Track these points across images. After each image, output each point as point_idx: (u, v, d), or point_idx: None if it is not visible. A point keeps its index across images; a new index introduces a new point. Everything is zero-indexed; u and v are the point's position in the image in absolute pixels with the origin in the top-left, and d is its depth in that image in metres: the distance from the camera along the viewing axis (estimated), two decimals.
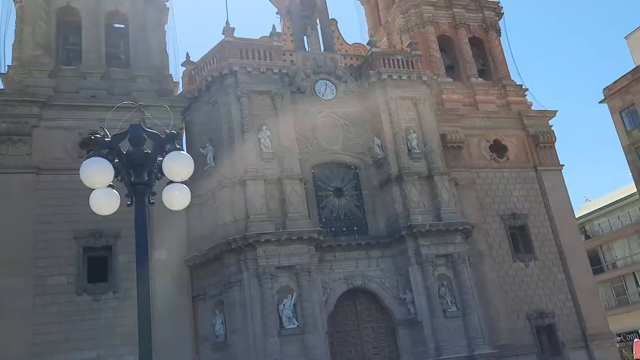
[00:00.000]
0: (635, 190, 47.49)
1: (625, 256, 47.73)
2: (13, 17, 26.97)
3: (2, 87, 24.83)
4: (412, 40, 28.92)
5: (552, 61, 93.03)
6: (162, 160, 6.67)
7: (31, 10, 25.24)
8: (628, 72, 46.01)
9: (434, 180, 24.81)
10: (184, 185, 6.83)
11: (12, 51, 25.76)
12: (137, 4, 26.96)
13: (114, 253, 22.20)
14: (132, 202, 6.66)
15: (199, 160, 24.00)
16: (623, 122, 45.49)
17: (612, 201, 50.01)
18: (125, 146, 6.79)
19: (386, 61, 26.68)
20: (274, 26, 26.30)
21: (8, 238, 20.79)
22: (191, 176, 20.19)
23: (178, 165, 6.60)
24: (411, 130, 25.79)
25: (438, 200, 24.47)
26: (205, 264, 22.38)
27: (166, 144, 6.71)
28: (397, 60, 26.93)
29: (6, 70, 24.97)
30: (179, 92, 26.59)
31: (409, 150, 25.33)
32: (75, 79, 24.57)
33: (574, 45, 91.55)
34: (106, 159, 6.47)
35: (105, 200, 6.57)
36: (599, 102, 47.81)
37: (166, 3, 28.62)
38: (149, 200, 6.70)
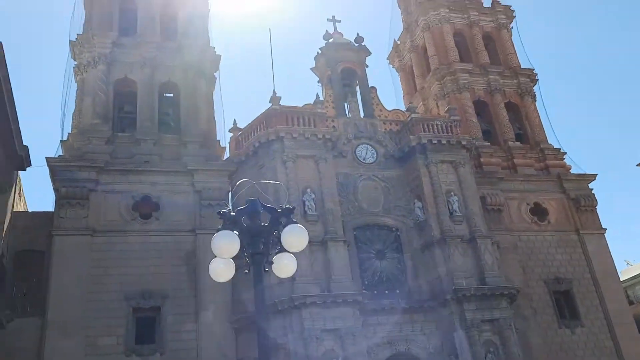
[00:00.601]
0: None
1: None
2: (73, 89, 29.02)
3: (61, 154, 26.35)
4: (450, 106, 29.77)
5: (589, 124, 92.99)
6: (277, 232, 7.21)
7: (92, 82, 27.08)
8: None
9: (476, 243, 24.86)
10: (292, 256, 7.38)
11: (72, 120, 27.52)
12: (188, 74, 28.63)
13: (162, 314, 22.60)
14: (249, 270, 7.22)
15: None
16: None
17: None
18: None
19: (426, 126, 27.44)
20: (317, 94, 27.54)
21: (62, 299, 21.47)
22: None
23: (296, 238, 7.19)
24: (452, 193, 26.15)
25: (482, 263, 24.43)
26: (250, 326, 22.52)
27: (281, 217, 7.29)
28: (437, 125, 27.66)
29: (66, 137, 26.63)
30: (226, 156, 27.64)
31: (451, 213, 25.59)
32: (130, 145, 25.92)
33: (608, 108, 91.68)
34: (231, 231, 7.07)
35: (224, 268, 7.18)
36: (637, 165, 47.48)
37: (215, 73, 30.33)
38: (264, 269, 7.24)
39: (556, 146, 33.91)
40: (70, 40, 28.49)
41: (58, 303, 21.38)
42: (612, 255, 31.05)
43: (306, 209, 23.62)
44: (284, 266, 7.50)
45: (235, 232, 7.23)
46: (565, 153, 33.92)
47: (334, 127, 27.20)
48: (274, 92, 26.28)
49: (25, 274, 22.04)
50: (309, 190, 24.03)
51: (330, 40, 30.53)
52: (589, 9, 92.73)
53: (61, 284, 21.74)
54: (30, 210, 27.20)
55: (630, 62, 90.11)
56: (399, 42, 40.87)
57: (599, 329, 28.43)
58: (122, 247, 23.29)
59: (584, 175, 32.76)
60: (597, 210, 32.17)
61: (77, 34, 28.31)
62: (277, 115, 25.25)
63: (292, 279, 21.89)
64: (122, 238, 23.48)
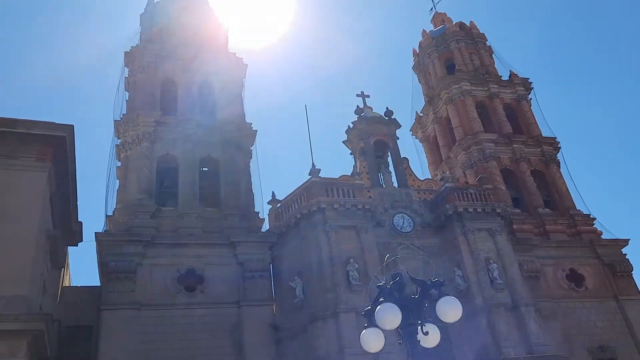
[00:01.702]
0: None
1: None
2: (115, 166, 30.13)
3: (106, 229, 27.01)
4: (482, 175, 30.52)
5: (614, 189, 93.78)
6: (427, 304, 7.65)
7: (136, 159, 28.17)
8: None
9: (520, 310, 24.81)
10: (455, 300, 7.73)
11: (117, 195, 28.39)
12: (227, 149, 29.75)
13: None
14: (402, 341, 7.59)
15: (288, 294, 24.91)
16: None
17: None
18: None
19: (460, 195, 28.05)
20: (354, 166, 28.42)
21: None
22: (280, 309, 21.11)
23: (451, 308, 7.60)
24: (491, 261, 26.36)
25: (527, 332, 24.26)
26: None
27: (431, 289, 7.74)
28: (471, 194, 28.28)
29: (112, 213, 27.40)
30: (265, 227, 28.17)
31: (492, 281, 25.67)
32: (173, 219, 26.58)
33: (630, 171, 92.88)
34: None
35: (376, 340, 7.59)
36: None
37: (251, 148, 31.47)
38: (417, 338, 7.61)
39: (585, 212, 34.31)
40: (115, 120, 29.86)
41: None
42: None
43: (350, 279, 23.84)
44: (450, 311, 7.81)
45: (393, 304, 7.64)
46: (595, 218, 34.26)
47: (370, 197, 27.85)
48: (312, 164, 27.19)
49: (74, 349, 22.06)
50: (351, 260, 24.35)
51: (362, 114, 31.79)
52: (603, 76, 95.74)
53: (110, 358, 21.70)
54: (72, 284, 27.52)
55: None
56: (421, 115, 42.32)
57: None
58: (169, 322, 23.42)
59: (616, 240, 32.91)
60: (633, 274, 32.10)
61: (123, 114, 29.70)
62: (317, 187, 26.00)
63: (340, 350, 21.84)
64: (169, 312, 23.66)
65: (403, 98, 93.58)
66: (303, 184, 27.09)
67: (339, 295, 23.08)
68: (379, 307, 7.96)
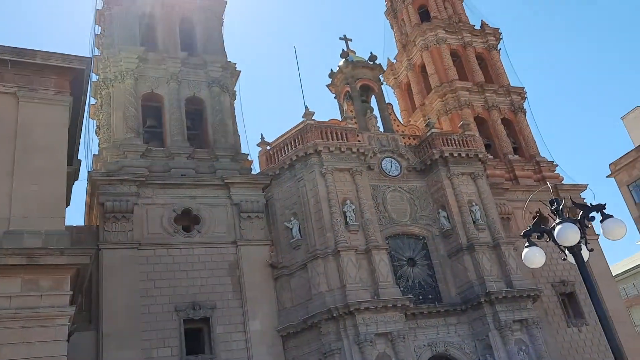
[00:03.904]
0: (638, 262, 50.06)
1: None
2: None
3: (92, 168, 26.28)
4: (464, 122, 31.65)
5: (561, 139, 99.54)
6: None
7: (121, 96, 27.18)
8: (633, 149, 49.78)
9: (501, 249, 26.57)
10: (620, 220, 8.46)
11: (101, 134, 27.45)
12: (213, 89, 29.17)
13: (211, 324, 22.88)
14: (566, 257, 8.28)
15: (284, 234, 25.45)
16: (631, 194, 48.62)
17: (625, 269, 52.23)
18: None
19: (445, 140, 29.10)
20: (345, 110, 28.68)
21: (116, 312, 21.46)
22: (276, 249, 21.77)
23: (618, 227, 8.29)
24: (473, 203, 27.84)
25: (507, 268, 26.12)
26: (298, 333, 23.20)
27: (592, 212, 8.39)
28: (454, 140, 29.38)
29: (97, 152, 26.60)
30: (254, 170, 28.22)
31: (474, 222, 27.21)
32: (164, 159, 26.14)
33: (578, 124, 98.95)
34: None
35: (538, 256, 8.30)
36: (607, 177, 51.19)
37: (235, 88, 31.00)
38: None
39: (548, 158, 36.48)
40: (95, 56, 28.46)
41: (111, 316, 21.36)
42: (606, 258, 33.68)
43: (347, 220, 24.61)
44: (613, 230, 8.53)
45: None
46: (557, 165, 36.54)
47: (359, 141, 28.38)
48: (306, 107, 27.28)
49: None
50: (348, 201, 25.04)
51: (347, 57, 31.85)
52: (569, 30, 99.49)
53: (113, 297, 21.71)
54: None
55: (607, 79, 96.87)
56: (394, 61, 42.71)
57: (601, 327, 30.62)
58: (168, 260, 23.50)
59: (576, 185, 35.34)
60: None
61: (105, 50, 28.34)
62: (312, 130, 26.21)
63: (343, 286, 22.81)
64: (167, 251, 23.67)
65: (374, 44, 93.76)
66: (296, 127, 27.21)
67: (338, 234, 23.84)
68: (560, 226, 8.60)
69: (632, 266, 51.88)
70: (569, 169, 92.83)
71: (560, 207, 8.98)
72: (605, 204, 9.12)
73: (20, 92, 15.15)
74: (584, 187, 35.51)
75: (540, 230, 9.20)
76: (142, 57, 28.33)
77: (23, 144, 14.42)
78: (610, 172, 51.34)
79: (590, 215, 8.88)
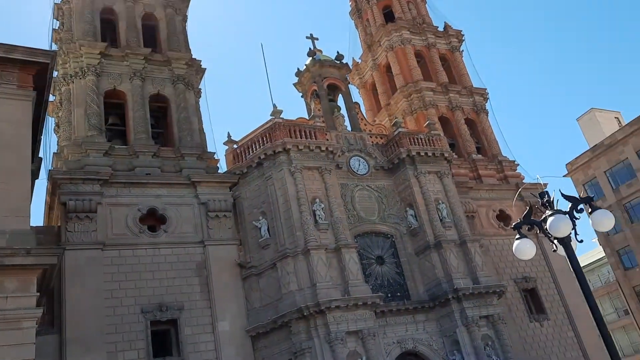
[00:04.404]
0: (602, 254, 51.95)
1: (603, 315, 51.27)
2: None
3: (52, 167, 25.36)
4: (430, 122, 32.04)
5: (521, 139, 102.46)
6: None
7: (82, 93, 26.35)
8: (587, 150, 51.62)
9: (467, 246, 27.00)
10: (608, 212, 8.54)
11: (60, 132, 26.52)
12: (178, 87, 28.62)
13: (179, 326, 22.40)
14: (556, 249, 8.34)
15: (252, 233, 25.18)
16: (587, 193, 50.38)
17: (585, 263, 54.08)
18: None
19: (411, 139, 29.39)
20: (312, 109, 28.61)
21: (79, 315, 20.74)
22: (244, 248, 21.57)
23: (606, 218, 8.39)
24: (440, 201, 28.21)
25: (473, 265, 26.56)
26: (268, 333, 22.97)
27: (580, 204, 8.47)
28: (421, 139, 29.72)
29: (57, 150, 25.67)
30: (222, 169, 27.81)
31: (441, 220, 27.58)
32: (128, 158, 25.46)
33: (537, 124, 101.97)
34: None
35: (529, 248, 8.34)
36: (564, 176, 52.88)
37: (200, 86, 30.51)
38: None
39: (510, 158, 37.37)
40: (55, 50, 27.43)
41: (75, 319, 20.62)
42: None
43: (317, 218, 24.53)
44: (601, 222, 8.63)
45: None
46: (518, 164, 37.46)
47: (327, 140, 28.35)
48: (274, 105, 27.04)
49: None
50: (317, 200, 24.96)
51: (315, 56, 31.79)
52: (528, 34, 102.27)
53: (76, 299, 20.98)
54: None
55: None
56: (359, 61, 42.92)
57: (562, 322, 31.62)
58: (133, 261, 22.89)
59: (536, 184, 36.20)
60: None
61: (65, 44, 27.41)
62: (281, 128, 26.02)
63: (313, 285, 22.72)
64: (132, 251, 23.05)
65: (339, 43, 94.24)
66: (264, 125, 26.96)
67: (308, 233, 23.72)
68: (552, 217, 8.68)
69: (587, 262, 53.73)
70: (529, 168, 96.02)
71: (552, 199, 9.09)
72: (593, 197, 9.34)
73: None
74: (544, 186, 36.48)
75: (531, 222, 9.34)
76: (104, 53, 27.55)
77: None
78: (567, 172, 53.07)
79: (579, 207, 9.04)
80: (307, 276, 23.00)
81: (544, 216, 9.02)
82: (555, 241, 8.91)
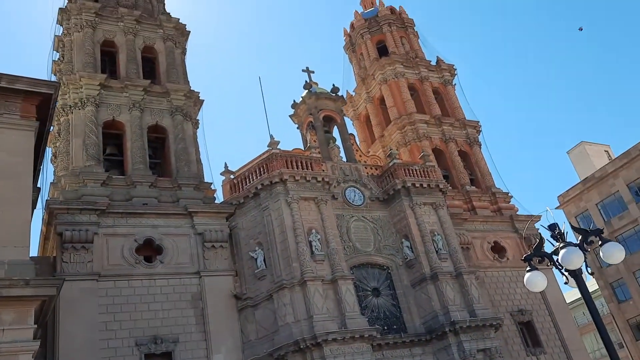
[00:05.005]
0: (596, 287, 51.94)
1: (594, 350, 50.94)
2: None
3: (49, 197, 25.31)
4: (424, 153, 32.39)
5: (513, 171, 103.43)
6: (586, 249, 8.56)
7: (81, 123, 26.52)
8: (579, 183, 52.15)
9: (463, 278, 27.00)
10: (618, 244, 8.66)
11: (58, 162, 26.58)
12: (176, 118, 28.88)
13: (174, 359, 22.08)
14: (567, 281, 8.42)
15: (249, 264, 25.10)
16: (579, 225, 50.65)
17: (575, 298, 53.99)
18: None
19: (406, 171, 29.66)
20: (308, 140, 28.88)
21: (73, 347, 20.44)
22: (240, 279, 21.46)
23: (617, 251, 8.50)
24: (435, 233, 28.31)
25: (469, 297, 26.53)
26: None
27: (590, 236, 8.59)
28: (416, 170, 30.00)
29: (53, 179, 25.68)
30: (218, 199, 27.84)
31: (437, 251, 27.63)
32: (126, 188, 25.48)
33: (529, 157, 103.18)
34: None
35: (540, 280, 8.43)
36: (556, 208, 53.25)
37: (197, 117, 30.79)
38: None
39: (504, 190, 37.69)
40: (58, 82, 27.71)
41: (69, 351, 20.30)
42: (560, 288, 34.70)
43: (313, 249, 24.53)
44: (612, 255, 8.72)
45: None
46: (512, 196, 37.76)
47: (323, 170, 28.56)
48: (271, 136, 27.34)
49: None
50: (314, 231, 25.00)
51: (310, 89, 32.26)
52: (522, 67, 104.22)
53: (70, 331, 20.70)
54: None
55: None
56: (353, 94, 43.56)
57: (558, 356, 31.41)
58: (129, 292, 22.69)
59: (531, 216, 36.49)
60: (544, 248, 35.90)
61: (65, 76, 27.69)
62: (277, 158, 26.22)
63: (310, 317, 22.57)
64: (128, 282, 22.87)
65: (334, 77, 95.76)
66: (261, 155, 27.17)
67: (304, 264, 23.68)
68: (564, 250, 8.78)
69: (580, 296, 53.59)
70: (522, 199, 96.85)
71: (563, 231, 9.23)
72: (602, 229, 9.49)
73: None
74: (538, 218, 36.66)
75: (541, 255, 9.43)
76: (103, 84, 27.84)
77: None
78: (559, 204, 53.46)
79: (589, 239, 9.18)
80: (304, 308, 22.87)
81: (555, 248, 9.14)
82: (567, 273, 8.99)
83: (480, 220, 34.29)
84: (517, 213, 36.75)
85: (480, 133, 40.36)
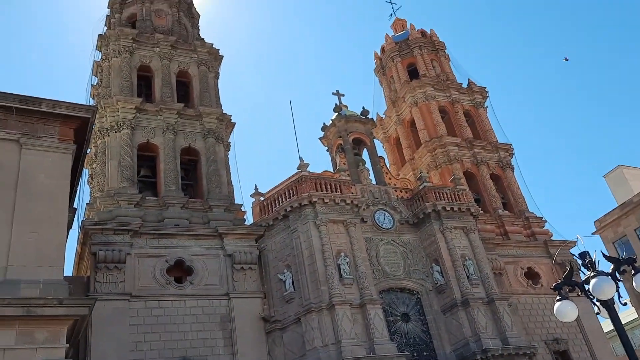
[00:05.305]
0: (635, 316, 50.04)
1: None
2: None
3: (84, 217, 25.94)
4: (455, 176, 32.10)
5: (548, 195, 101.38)
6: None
7: (117, 146, 27.23)
8: (616, 207, 50.68)
9: (495, 305, 26.40)
10: None
11: (94, 183, 27.29)
12: (208, 140, 29.38)
13: None
14: (600, 311, 8.25)
15: (277, 286, 25.10)
16: (617, 251, 49.08)
17: (611, 328, 52.03)
18: None
19: (437, 194, 29.39)
20: (338, 162, 28.98)
21: None
22: (269, 302, 21.45)
23: None
24: (466, 257, 27.86)
25: (502, 324, 25.89)
26: None
27: (623, 265, 8.44)
28: (446, 194, 29.70)
29: (90, 200, 26.35)
30: (248, 221, 28.06)
31: (468, 277, 27.15)
32: (158, 209, 25.95)
33: (564, 180, 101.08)
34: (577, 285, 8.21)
35: (571, 310, 8.28)
36: (592, 234, 51.78)
37: (229, 140, 31.27)
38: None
39: (537, 214, 36.91)
40: (95, 106, 28.64)
41: None
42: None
43: (342, 272, 24.41)
44: None
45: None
46: (546, 221, 36.94)
47: (352, 193, 28.54)
48: (300, 159, 27.54)
49: None
50: (342, 254, 24.91)
51: (340, 112, 32.46)
52: (557, 89, 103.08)
53: (102, 350, 21.00)
54: None
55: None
56: (383, 117, 43.64)
57: None
58: (159, 312, 22.93)
59: (565, 241, 35.63)
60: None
61: (103, 100, 28.57)
62: (307, 181, 26.35)
63: (338, 341, 22.36)
64: (158, 303, 23.14)
65: (364, 99, 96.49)
66: (291, 178, 27.36)
67: (332, 288, 23.57)
68: (595, 279, 8.61)
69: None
70: (556, 224, 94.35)
71: (594, 260, 9.01)
72: (636, 257, 9.24)
73: (23, 139, 15.12)
74: (573, 244, 35.78)
75: (572, 284, 9.21)
76: (139, 108, 28.59)
77: (24, 191, 14.27)
78: (595, 229, 52.00)
79: (622, 268, 8.93)
80: (332, 332, 22.68)
81: (585, 277, 8.91)
82: (598, 303, 8.74)
83: (513, 245, 33.61)
84: (552, 238, 35.93)
85: (513, 156, 39.80)
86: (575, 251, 37.16)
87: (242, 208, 28.53)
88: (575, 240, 35.73)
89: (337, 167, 28.96)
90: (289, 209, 25.95)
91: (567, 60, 63.78)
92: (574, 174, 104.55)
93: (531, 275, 33.03)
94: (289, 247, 25.61)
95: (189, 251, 24.89)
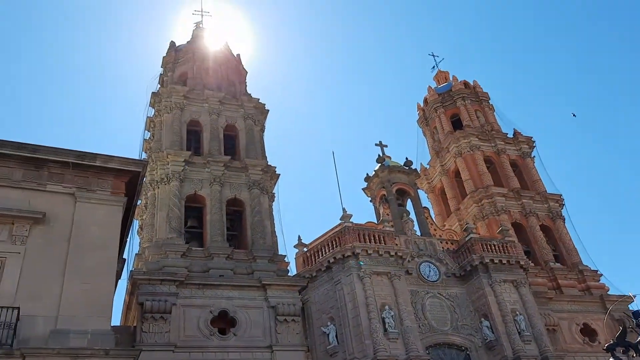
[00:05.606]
0: None
1: None
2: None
3: (133, 267, 26.59)
4: (503, 227, 31.35)
5: (602, 247, 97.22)
6: None
7: (165, 197, 28.08)
8: None
9: None
10: None
11: (144, 234, 28.07)
12: (253, 191, 29.94)
13: None
14: None
15: (320, 339, 24.74)
16: None
17: None
18: None
19: (484, 246, 28.70)
20: (381, 213, 28.88)
21: None
22: (312, 355, 21.01)
23: None
24: (517, 312, 26.82)
25: None
26: None
27: None
28: (494, 245, 28.97)
29: (139, 251, 27.07)
30: (291, 272, 28.06)
31: (519, 333, 26.05)
32: (204, 259, 26.35)
33: (618, 232, 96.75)
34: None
35: None
36: None
37: (274, 191, 31.77)
38: None
39: (592, 267, 35.36)
40: (146, 160, 29.81)
41: None
42: None
43: (387, 326, 23.90)
44: None
45: None
46: (602, 274, 35.30)
47: (396, 244, 28.23)
48: (344, 209, 27.61)
49: None
50: (387, 307, 24.47)
51: (383, 162, 32.59)
52: (603, 137, 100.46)
53: None
54: None
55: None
56: (427, 167, 43.48)
57: None
58: None
59: (623, 296, 33.79)
60: None
61: (154, 153, 29.75)
62: (350, 232, 26.31)
63: None
64: (202, 354, 23.13)
65: (406, 150, 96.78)
66: (334, 229, 27.38)
67: (377, 342, 23.06)
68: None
69: None
70: (613, 278, 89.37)
71: None
72: None
73: (78, 192, 15.85)
74: (631, 299, 33.95)
75: (626, 345, 8.76)
76: (188, 160, 29.55)
77: (77, 243, 14.87)
78: None
79: None
80: None
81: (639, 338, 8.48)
82: None
83: (567, 300, 32.18)
84: (609, 293, 34.26)
85: (564, 206, 38.63)
86: (634, 306, 35.33)
87: (286, 259, 28.64)
88: (635, 295, 34.06)
89: (381, 218, 28.84)
90: (332, 260, 25.88)
91: (575, 115, 63.36)
92: (629, 224, 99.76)
93: (588, 332, 31.38)
94: (333, 299, 25.38)
95: (232, 302, 24.99)
